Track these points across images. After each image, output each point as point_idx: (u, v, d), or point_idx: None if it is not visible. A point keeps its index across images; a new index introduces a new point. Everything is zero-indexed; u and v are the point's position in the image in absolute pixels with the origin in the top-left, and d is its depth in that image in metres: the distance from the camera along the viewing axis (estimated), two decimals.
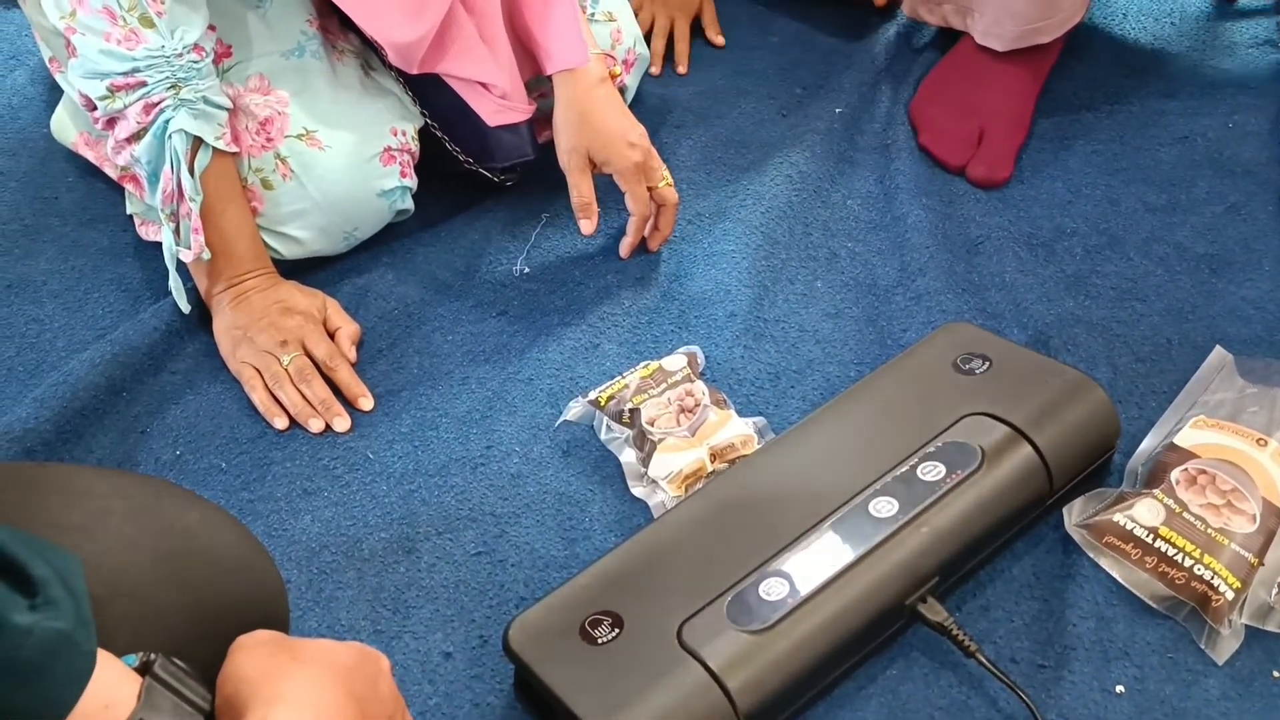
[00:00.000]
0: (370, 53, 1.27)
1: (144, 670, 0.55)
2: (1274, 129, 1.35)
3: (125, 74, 1.03)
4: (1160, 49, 1.49)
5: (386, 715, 0.62)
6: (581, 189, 1.21)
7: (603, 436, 1.06)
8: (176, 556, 0.69)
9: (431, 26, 1.14)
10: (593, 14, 1.30)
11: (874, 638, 0.87)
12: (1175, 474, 0.95)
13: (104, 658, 0.53)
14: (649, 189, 1.21)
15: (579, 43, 1.18)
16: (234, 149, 1.12)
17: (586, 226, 1.22)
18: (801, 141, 1.40)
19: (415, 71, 1.17)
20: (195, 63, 1.05)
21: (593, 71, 1.19)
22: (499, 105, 1.20)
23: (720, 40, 1.60)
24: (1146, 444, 1.01)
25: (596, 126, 1.18)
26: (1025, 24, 1.32)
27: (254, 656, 0.58)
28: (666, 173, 1.22)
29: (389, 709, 0.63)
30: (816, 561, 0.86)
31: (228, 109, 1.10)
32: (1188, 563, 0.90)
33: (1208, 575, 0.90)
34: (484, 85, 1.19)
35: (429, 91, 1.23)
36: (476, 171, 1.29)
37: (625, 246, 1.25)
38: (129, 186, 1.23)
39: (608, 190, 1.23)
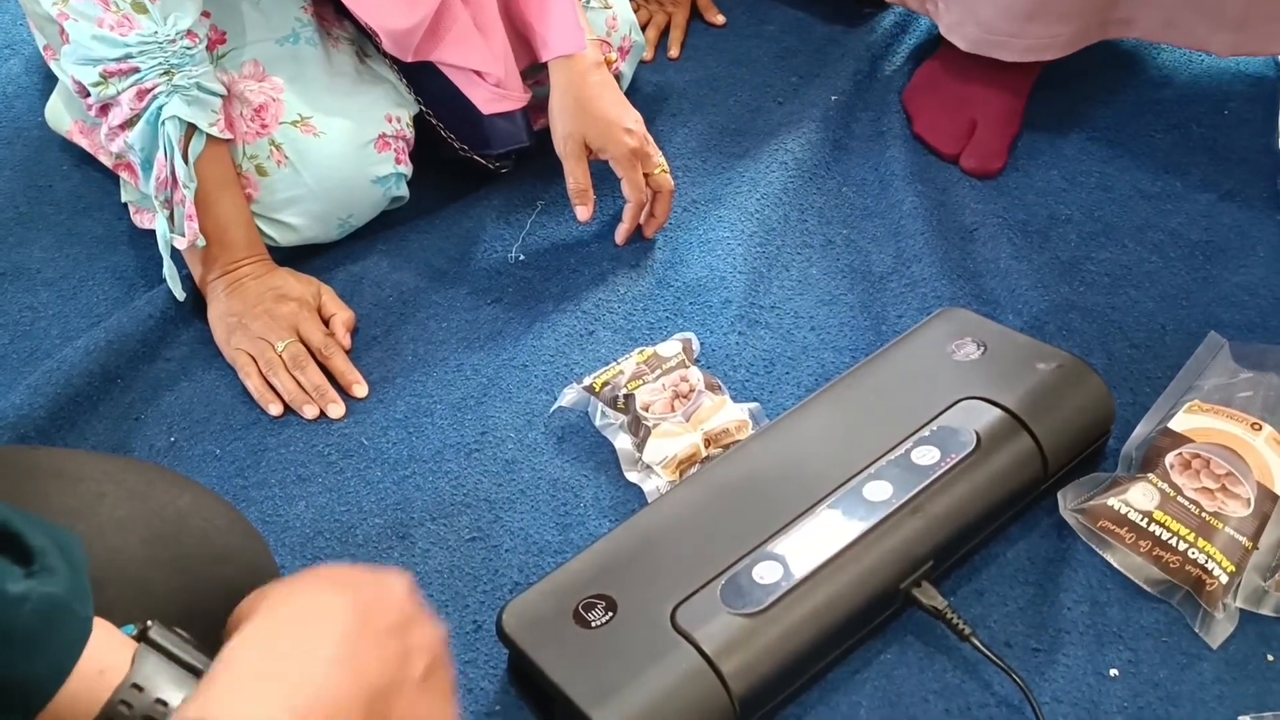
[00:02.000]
0: (365, 40, 1.27)
1: (140, 637, 0.55)
2: (1268, 116, 1.35)
3: (118, 60, 1.02)
4: None
5: (394, 619, 0.58)
6: (577, 175, 1.20)
7: (597, 422, 1.06)
8: (169, 540, 0.69)
9: (426, 14, 1.13)
10: (588, 2, 1.30)
11: (868, 621, 0.87)
12: (1170, 458, 0.95)
13: (100, 624, 0.53)
14: (644, 175, 1.21)
15: (576, 30, 1.18)
16: (228, 135, 1.11)
17: (582, 213, 1.22)
18: (797, 129, 1.40)
19: (410, 59, 1.17)
20: (188, 49, 1.05)
21: (589, 57, 1.18)
22: (493, 93, 1.20)
23: (720, 20, 1.59)
24: (1141, 429, 1.01)
25: (592, 112, 1.18)
26: (987, 33, 1.28)
27: (253, 594, 0.58)
28: (662, 159, 1.22)
29: (397, 616, 0.59)
30: (811, 545, 0.86)
31: (222, 95, 1.10)
32: (1182, 546, 0.90)
33: (1202, 559, 0.90)
34: (478, 73, 1.19)
35: (424, 79, 1.23)
36: (472, 159, 1.29)
37: (621, 233, 1.25)
38: (123, 175, 1.23)
39: (603, 177, 1.23)
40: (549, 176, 1.29)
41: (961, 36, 1.31)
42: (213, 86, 1.08)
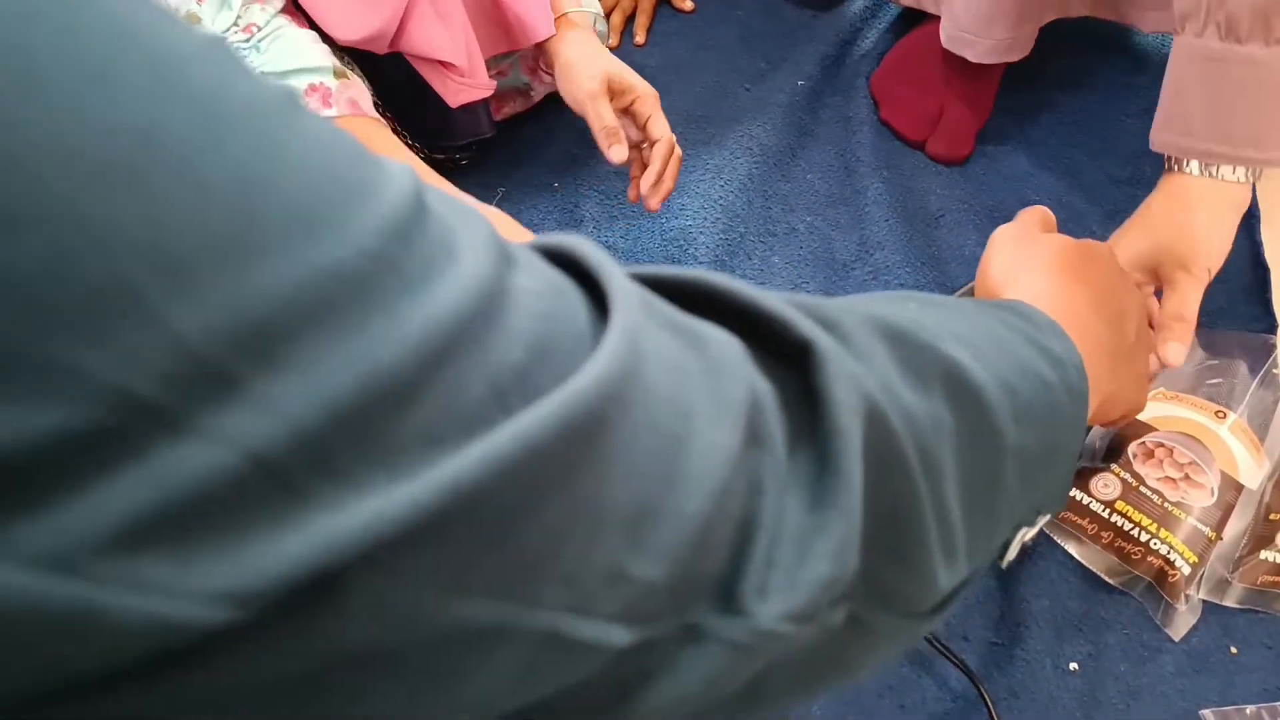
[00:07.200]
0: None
1: None
2: None
3: None
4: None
5: (1107, 287, 0.66)
6: (604, 115, 1.10)
7: None
8: None
9: (391, 17, 1.10)
10: None
11: None
12: (1133, 447, 0.94)
13: None
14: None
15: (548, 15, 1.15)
16: None
17: (618, 154, 1.08)
18: (763, 114, 1.37)
19: (384, 52, 1.14)
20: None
21: (587, 24, 1.17)
22: (460, 85, 1.17)
23: (689, 5, 1.56)
24: None
25: (611, 57, 1.14)
26: (960, 30, 1.25)
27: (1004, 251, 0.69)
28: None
29: (1107, 282, 0.67)
30: None
31: None
32: (1144, 537, 0.89)
33: (1164, 550, 0.88)
34: (443, 64, 1.17)
35: (377, 74, 1.20)
36: (431, 156, 1.27)
37: (644, 185, 1.12)
38: None
39: (552, 172, 1.21)
40: (508, 166, 1.27)
41: (943, 33, 1.28)
42: None
